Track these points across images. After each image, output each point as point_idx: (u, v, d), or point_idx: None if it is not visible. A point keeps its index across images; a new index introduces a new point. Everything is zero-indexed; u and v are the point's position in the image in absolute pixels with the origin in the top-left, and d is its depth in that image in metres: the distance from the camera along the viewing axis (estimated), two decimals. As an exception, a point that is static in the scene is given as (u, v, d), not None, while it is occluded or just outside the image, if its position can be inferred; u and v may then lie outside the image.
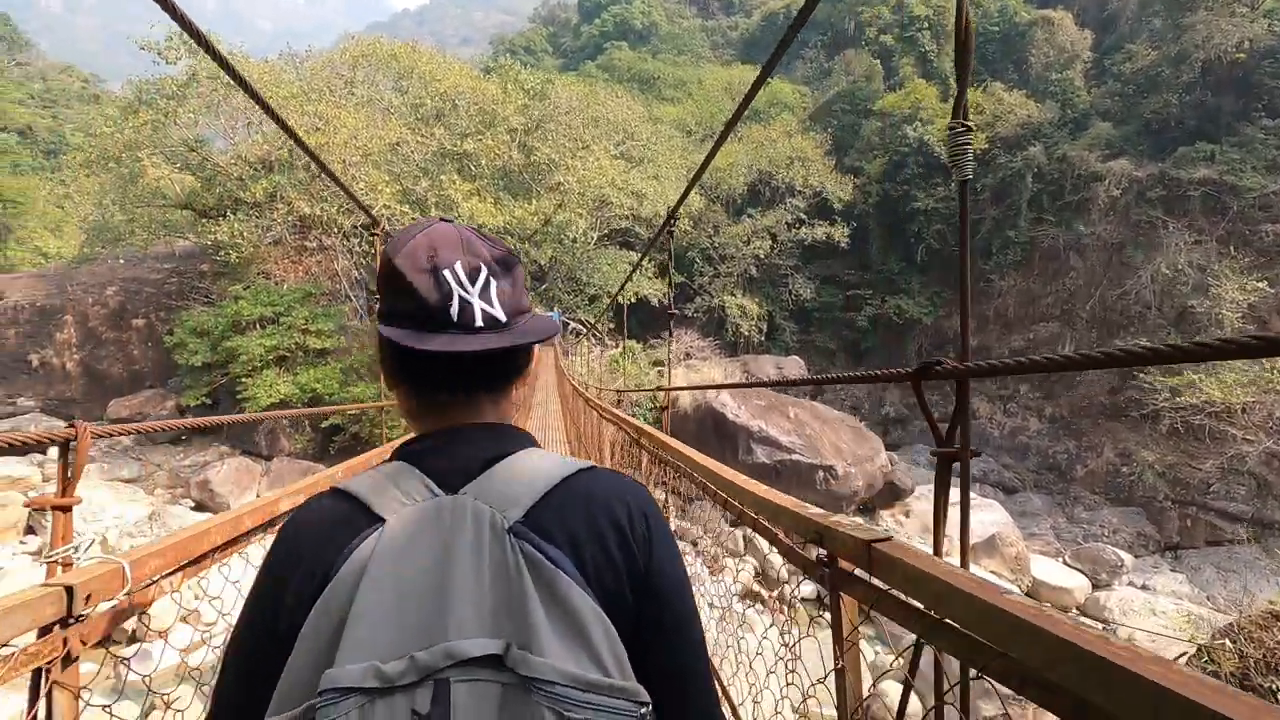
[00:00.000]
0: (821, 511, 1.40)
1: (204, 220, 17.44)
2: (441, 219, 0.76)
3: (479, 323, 0.71)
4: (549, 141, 16.98)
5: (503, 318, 0.72)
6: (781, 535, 1.60)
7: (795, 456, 16.25)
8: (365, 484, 0.70)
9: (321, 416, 16.51)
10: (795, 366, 23.59)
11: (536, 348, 0.83)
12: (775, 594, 14.71)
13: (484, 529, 0.63)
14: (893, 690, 7.06)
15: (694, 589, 0.77)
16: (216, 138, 18.97)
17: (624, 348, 20.39)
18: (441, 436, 0.75)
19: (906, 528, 17.78)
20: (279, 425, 16.63)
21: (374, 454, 2.87)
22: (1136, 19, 27.41)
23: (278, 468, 15.88)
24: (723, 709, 0.77)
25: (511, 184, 17.80)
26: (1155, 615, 14.77)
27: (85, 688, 1.18)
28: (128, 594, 1.23)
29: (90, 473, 16.42)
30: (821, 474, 16.28)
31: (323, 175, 14.83)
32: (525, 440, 0.76)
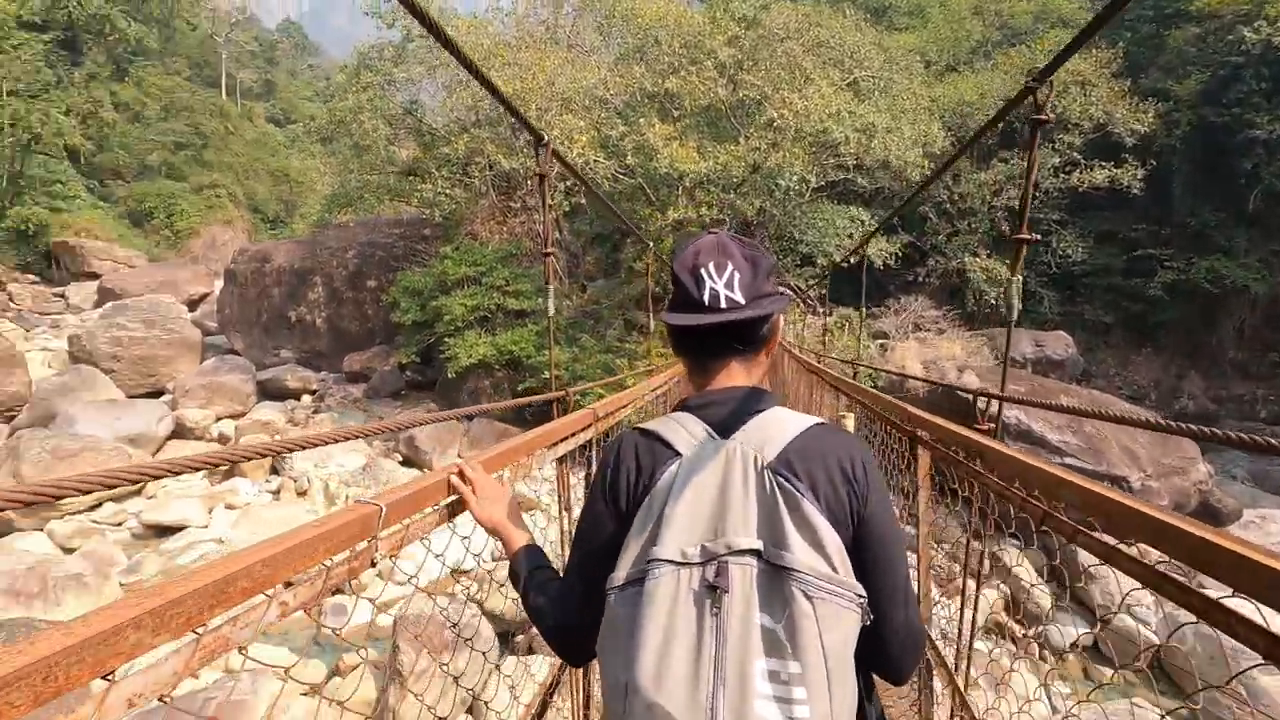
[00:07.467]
0: (917, 411, 2.40)
1: (410, 178, 17.79)
2: (709, 231, 1.03)
3: (722, 304, 0.95)
4: (762, 73, 14.66)
5: (741, 300, 0.96)
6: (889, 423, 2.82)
7: (1069, 460, 12.43)
8: (665, 427, 0.98)
9: (518, 381, 16.21)
10: (1060, 344, 18.95)
11: (780, 323, 1.09)
12: (1033, 631, 11.43)
13: (749, 465, 0.89)
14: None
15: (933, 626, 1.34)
16: (434, 101, 19.39)
17: (836, 317, 17.63)
18: (712, 395, 1.01)
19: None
20: (481, 387, 16.69)
21: (574, 418, 2.46)
22: None
23: (477, 429, 15.91)
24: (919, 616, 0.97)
25: (717, 127, 15.85)
26: None
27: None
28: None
29: (324, 423, 17.88)
30: (1108, 485, 12.36)
31: (524, 129, 14.08)
32: (774, 400, 1.01)
